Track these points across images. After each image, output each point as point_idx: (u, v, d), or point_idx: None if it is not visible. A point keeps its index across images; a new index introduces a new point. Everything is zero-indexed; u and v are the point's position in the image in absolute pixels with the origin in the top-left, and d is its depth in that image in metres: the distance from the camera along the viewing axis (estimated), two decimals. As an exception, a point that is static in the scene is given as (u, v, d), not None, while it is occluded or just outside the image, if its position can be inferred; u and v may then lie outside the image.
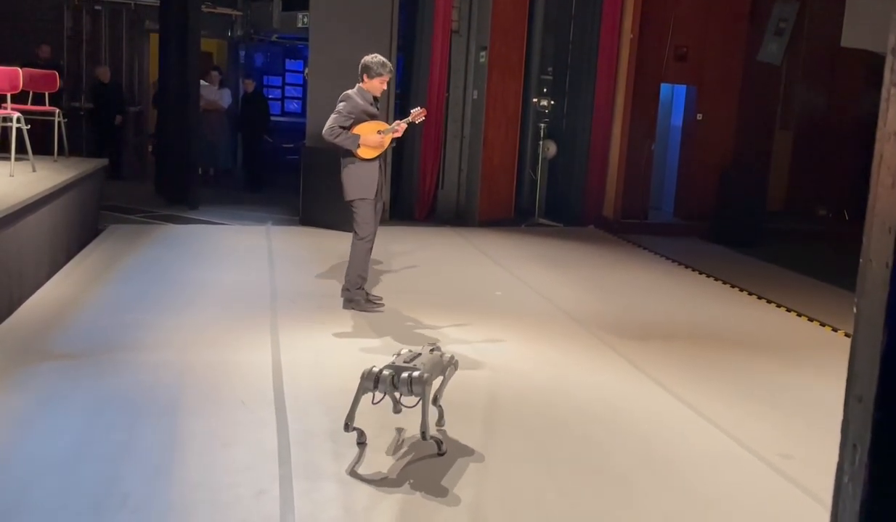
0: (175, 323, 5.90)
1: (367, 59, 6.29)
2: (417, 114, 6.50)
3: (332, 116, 6.26)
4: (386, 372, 3.67)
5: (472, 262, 8.71)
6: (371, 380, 3.68)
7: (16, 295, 5.94)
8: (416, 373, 3.64)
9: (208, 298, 6.63)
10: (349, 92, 6.33)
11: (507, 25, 10.75)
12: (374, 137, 6.25)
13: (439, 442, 3.85)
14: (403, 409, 3.87)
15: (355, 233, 6.40)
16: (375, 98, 6.41)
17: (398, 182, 11.05)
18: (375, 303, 6.59)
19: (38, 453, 3.76)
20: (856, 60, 11.02)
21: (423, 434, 3.66)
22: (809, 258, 9.76)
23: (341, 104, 6.27)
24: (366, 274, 6.51)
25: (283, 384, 4.77)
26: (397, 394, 3.75)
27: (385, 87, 6.42)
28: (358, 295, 6.46)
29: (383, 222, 10.16)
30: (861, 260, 1.26)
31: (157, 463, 3.73)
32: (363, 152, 6.27)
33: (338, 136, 6.20)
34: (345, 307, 6.45)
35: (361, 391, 3.70)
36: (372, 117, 6.33)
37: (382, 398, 3.80)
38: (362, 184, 6.33)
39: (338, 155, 6.41)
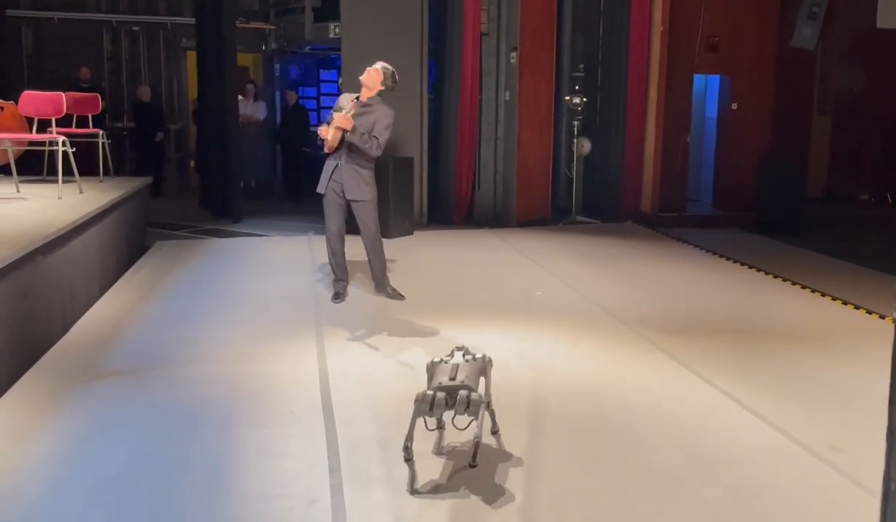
0: (223, 335, 6.03)
1: None
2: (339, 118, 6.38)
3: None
4: (440, 395, 3.67)
5: (511, 263, 8.73)
6: (427, 404, 3.67)
7: (69, 316, 6.11)
8: (474, 395, 3.65)
9: (254, 309, 6.75)
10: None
11: (536, 25, 10.77)
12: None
13: (475, 454, 3.83)
14: (447, 422, 3.93)
15: None
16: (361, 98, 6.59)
17: (435, 187, 11.12)
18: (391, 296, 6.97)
19: (96, 470, 3.86)
20: (893, 41, 10.83)
21: (478, 443, 3.65)
22: (854, 244, 9.60)
23: None
24: (333, 268, 6.91)
25: (329, 392, 4.85)
26: (451, 413, 3.75)
27: (362, 81, 6.55)
28: (337, 286, 6.96)
29: (421, 228, 10.29)
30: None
31: (212, 476, 3.82)
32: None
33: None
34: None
35: (417, 414, 3.68)
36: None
37: (437, 425, 3.82)
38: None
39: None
